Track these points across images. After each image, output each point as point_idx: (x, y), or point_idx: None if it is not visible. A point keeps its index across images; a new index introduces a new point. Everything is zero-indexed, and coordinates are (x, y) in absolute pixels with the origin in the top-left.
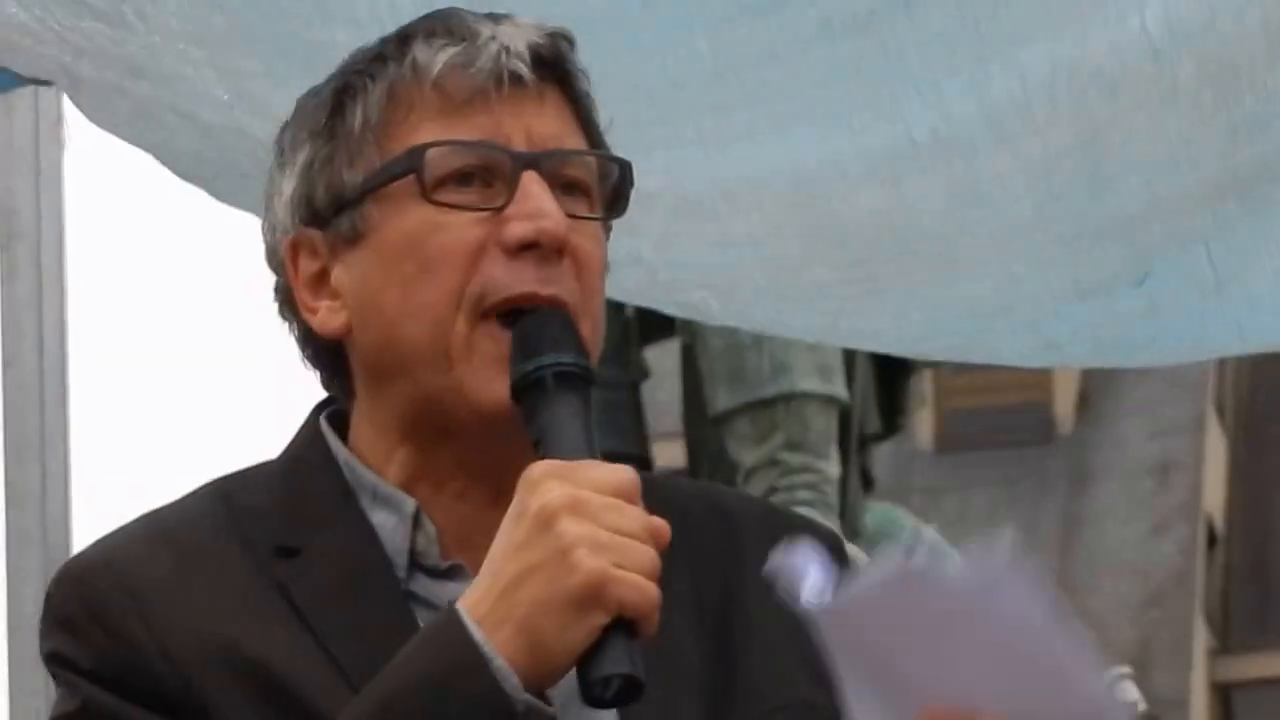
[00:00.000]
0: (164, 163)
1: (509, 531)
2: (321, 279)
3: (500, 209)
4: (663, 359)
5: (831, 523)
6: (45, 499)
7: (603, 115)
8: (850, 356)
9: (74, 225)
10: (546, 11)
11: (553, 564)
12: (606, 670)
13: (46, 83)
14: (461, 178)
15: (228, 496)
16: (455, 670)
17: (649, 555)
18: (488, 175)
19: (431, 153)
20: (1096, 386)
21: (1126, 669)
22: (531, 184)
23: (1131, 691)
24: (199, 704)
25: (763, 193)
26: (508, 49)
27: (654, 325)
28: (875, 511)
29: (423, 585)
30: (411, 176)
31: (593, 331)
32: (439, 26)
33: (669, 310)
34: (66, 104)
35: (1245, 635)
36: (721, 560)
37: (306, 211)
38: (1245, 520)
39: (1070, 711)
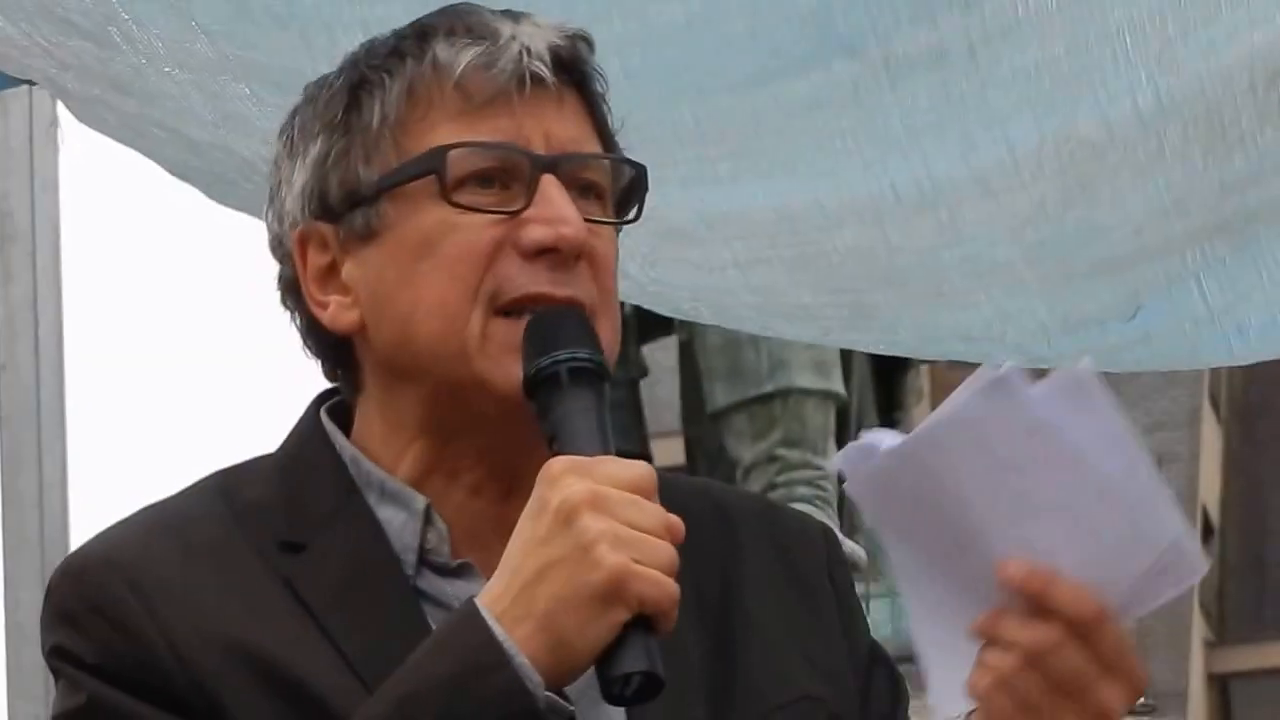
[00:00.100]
0: (157, 162)
1: (528, 527)
2: (331, 273)
3: (518, 212)
4: (661, 356)
5: (830, 518)
6: (43, 503)
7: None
8: (847, 353)
9: (70, 227)
10: None
11: (574, 560)
12: (626, 668)
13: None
14: (481, 179)
15: (229, 491)
16: (477, 668)
17: (668, 551)
18: (506, 177)
19: (452, 154)
20: None
21: None
22: (550, 187)
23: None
24: (208, 701)
25: (745, 223)
26: (529, 50)
27: (652, 323)
28: None
29: (431, 582)
30: (431, 176)
31: (611, 332)
32: (458, 24)
33: (662, 312)
34: (61, 106)
35: (1241, 627)
36: (720, 558)
37: (318, 205)
38: (1240, 513)
39: (1145, 558)
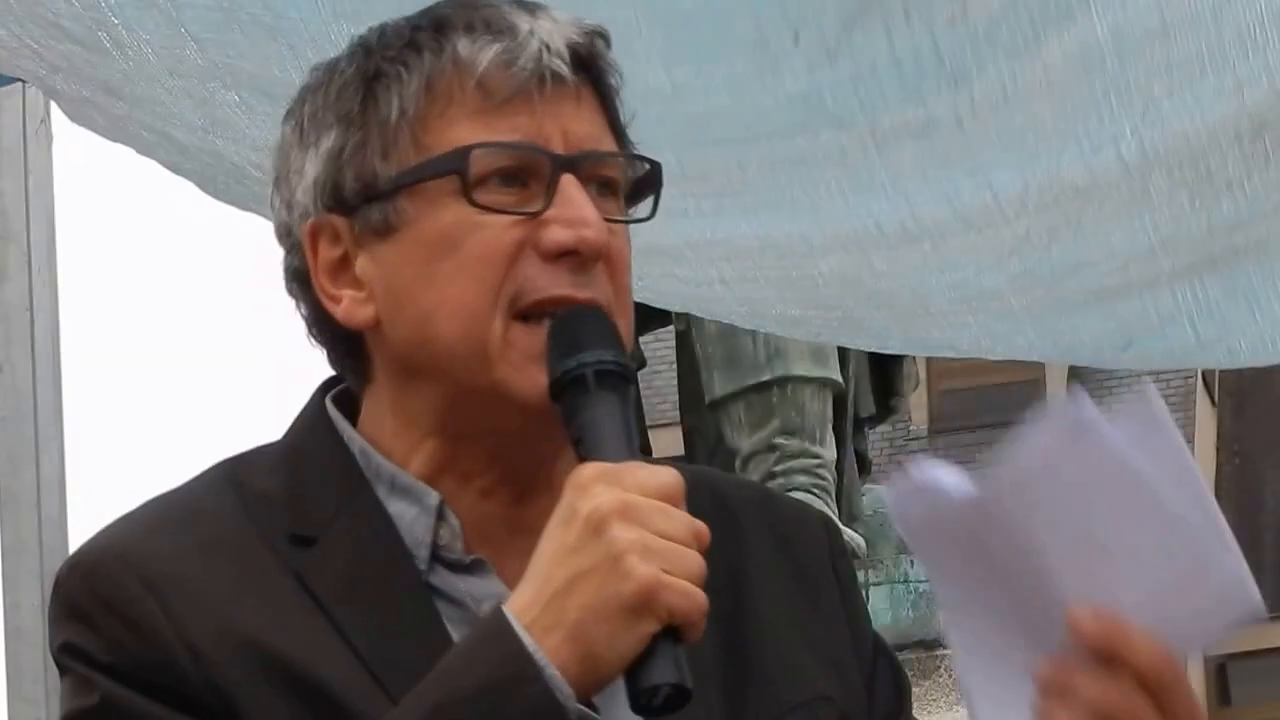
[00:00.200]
0: (152, 159)
1: (557, 535)
2: (343, 266)
3: (539, 212)
4: (658, 346)
5: (828, 506)
6: (40, 503)
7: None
8: None
9: (65, 226)
10: None
11: (605, 570)
12: (656, 679)
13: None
14: (501, 177)
15: (238, 481)
16: (508, 680)
17: (696, 561)
18: (526, 175)
19: (474, 153)
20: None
21: None
22: (571, 188)
23: None
24: (223, 701)
25: (729, 248)
26: (548, 47)
27: (649, 313)
28: (871, 494)
29: (443, 578)
30: (452, 175)
31: (627, 331)
32: (476, 19)
33: (656, 305)
34: (53, 104)
35: None
36: (725, 552)
37: (331, 198)
38: (1235, 493)
39: (1206, 597)
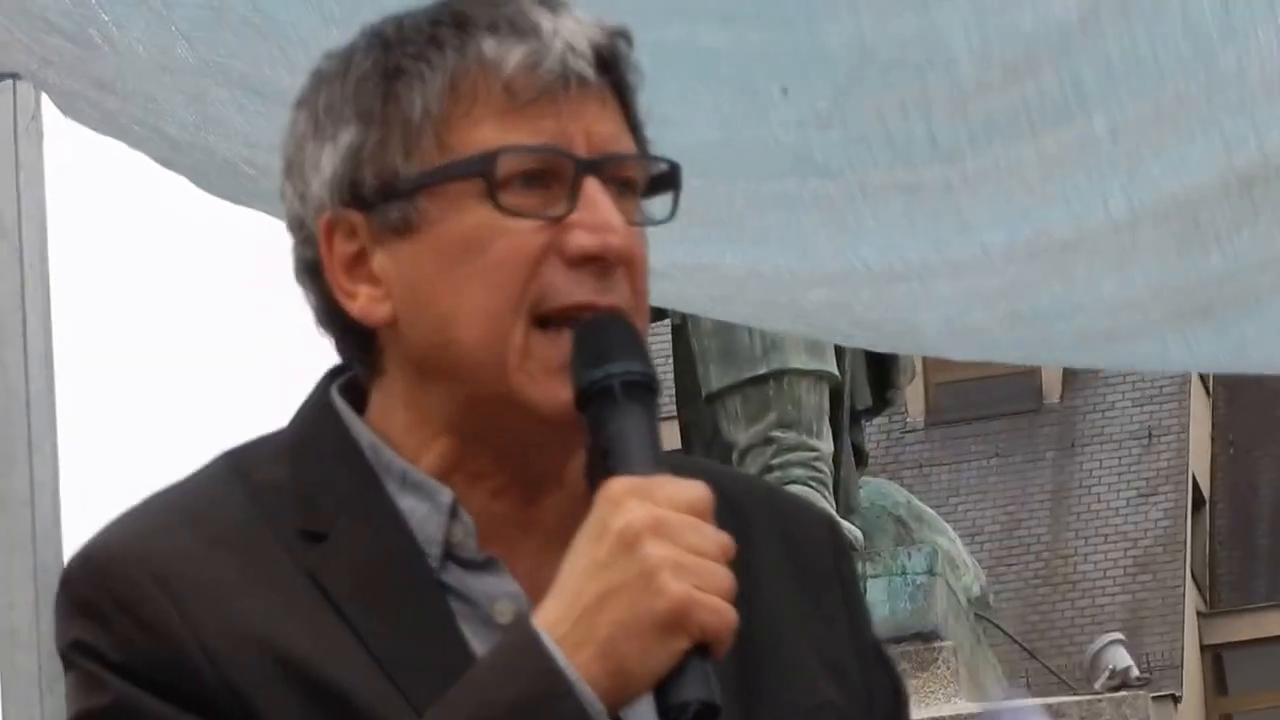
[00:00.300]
0: (143, 153)
1: (588, 550)
2: (359, 261)
3: (562, 217)
4: (654, 340)
5: (825, 499)
6: (34, 504)
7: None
8: None
9: (57, 223)
10: None
11: (637, 587)
12: (686, 695)
13: (19, 75)
14: (524, 178)
15: (244, 473)
16: (538, 696)
17: (726, 577)
18: (549, 178)
19: (501, 157)
20: None
21: (1119, 635)
22: (594, 192)
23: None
24: (238, 702)
25: (715, 273)
26: (573, 48)
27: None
28: (868, 486)
29: (456, 576)
30: (477, 177)
31: (643, 334)
32: (500, 18)
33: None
34: (44, 101)
35: (1234, 597)
36: (736, 554)
37: (349, 194)
38: (1230, 484)
39: None
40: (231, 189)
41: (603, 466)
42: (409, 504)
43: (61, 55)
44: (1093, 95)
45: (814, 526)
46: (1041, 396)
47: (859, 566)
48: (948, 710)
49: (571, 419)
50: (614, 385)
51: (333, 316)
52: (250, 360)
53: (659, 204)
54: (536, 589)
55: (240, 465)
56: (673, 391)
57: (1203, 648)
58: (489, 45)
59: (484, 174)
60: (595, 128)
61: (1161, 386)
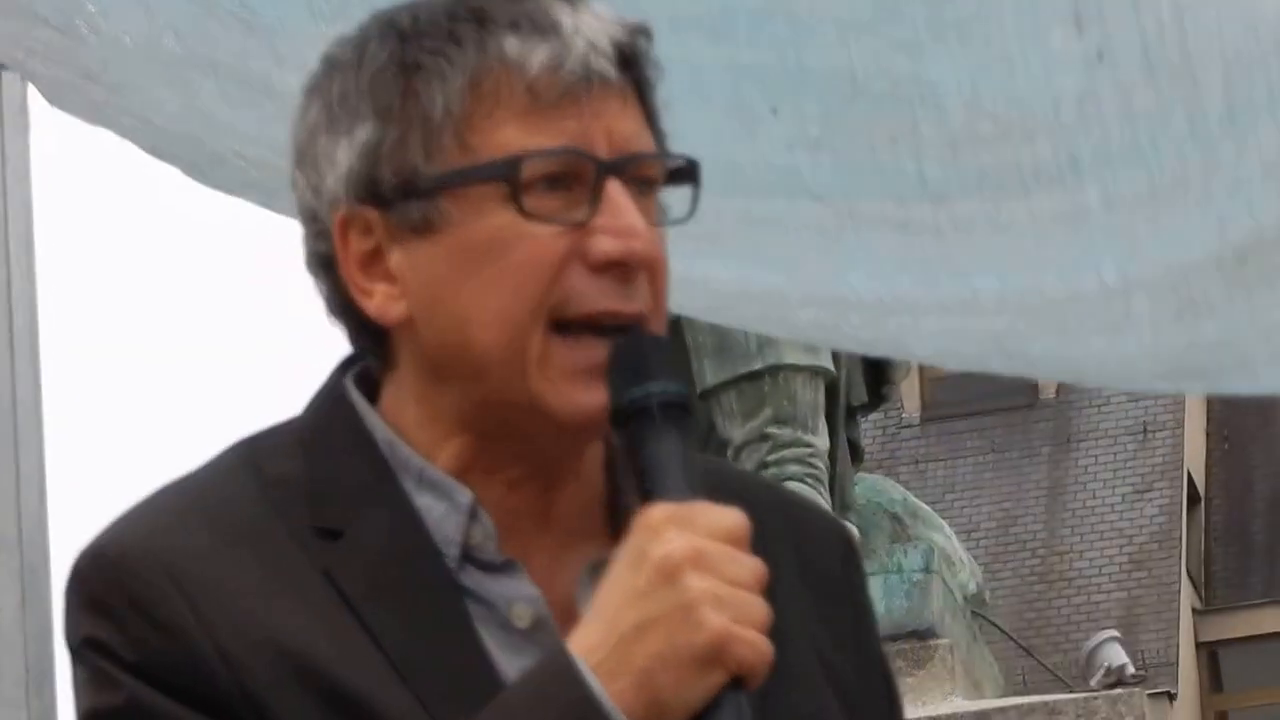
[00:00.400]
0: (132, 143)
1: (626, 577)
2: (375, 258)
3: (584, 222)
4: None
5: (821, 496)
6: (20, 502)
7: None
8: None
9: (43, 218)
10: None
11: (676, 619)
12: None
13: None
14: (547, 181)
15: (257, 467)
16: None
17: (763, 609)
18: (570, 179)
19: (525, 162)
20: None
21: (1115, 632)
22: (617, 195)
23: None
24: (252, 704)
25: (706, 287)
26: (595, 47)
27: None
28: (864, 483)
29: (474, 578)
30: (500, 181)
31: (667, 338)
32: (520, 14)
33: None
34: (30, 94)
35: (1229, 594)
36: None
37: (366, 190)
38: (1225, 480)
39: None
40: (222, 179)
41: (639, 487)
42: (425, 502)
43: (48, 46)
44: (1088, 169)
45: (827, 534)
46: (1037, 392)
47: None
48: (944, 708)
49: (589, 424)
50: (653, 406)
51: (346, 309)
52: (244, 355)
53: (677, 199)
54: (552, 588)
55: (253, 458)
56: None
57: (1198, 644)
58: (511, 44)
59: (507, 178)
60: (616, 126)
61: None
